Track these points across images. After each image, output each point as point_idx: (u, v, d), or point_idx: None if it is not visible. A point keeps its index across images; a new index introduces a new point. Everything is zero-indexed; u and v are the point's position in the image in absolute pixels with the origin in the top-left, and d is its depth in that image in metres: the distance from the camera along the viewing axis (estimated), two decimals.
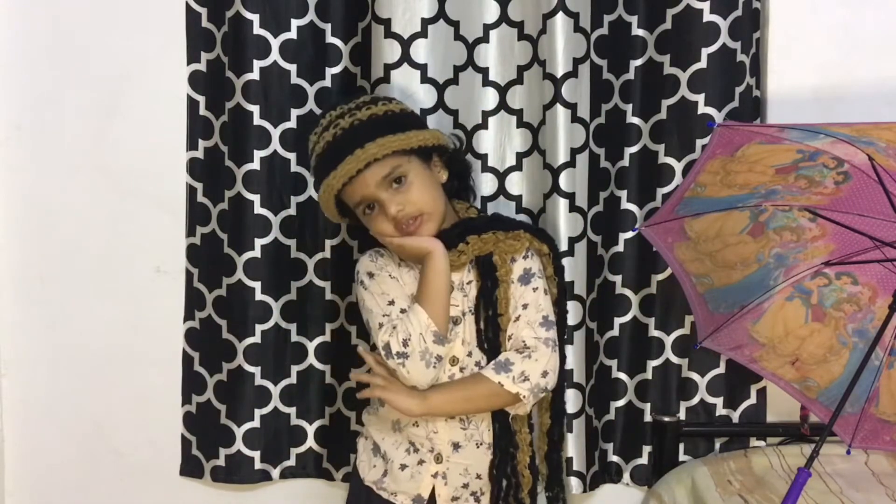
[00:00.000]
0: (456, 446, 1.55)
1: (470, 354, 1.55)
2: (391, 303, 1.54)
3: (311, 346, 1.98)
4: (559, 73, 1.78)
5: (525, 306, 1.56)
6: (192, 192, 1.99)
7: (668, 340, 1.97)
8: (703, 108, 1.87)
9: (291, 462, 2.01)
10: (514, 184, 1.88)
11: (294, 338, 1.98)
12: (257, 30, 1.86)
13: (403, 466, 1.57)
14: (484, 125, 1.87)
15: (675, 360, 1.97)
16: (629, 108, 1.92)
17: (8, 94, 1.99)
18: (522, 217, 1.88)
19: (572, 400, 1.84)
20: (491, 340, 1.54)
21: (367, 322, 1.57)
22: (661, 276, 1.94)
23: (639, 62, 1.91)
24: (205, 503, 2.06)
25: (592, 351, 1.93)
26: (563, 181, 1.80)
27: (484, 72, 1.86)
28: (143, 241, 2.01)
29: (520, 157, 1.88)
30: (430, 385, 1.51)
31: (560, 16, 1.76)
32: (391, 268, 1.59)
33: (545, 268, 1.61)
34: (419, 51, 1.81)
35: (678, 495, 1.84)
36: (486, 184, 1.88)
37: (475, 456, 1.56)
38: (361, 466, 1.63)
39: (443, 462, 1.56)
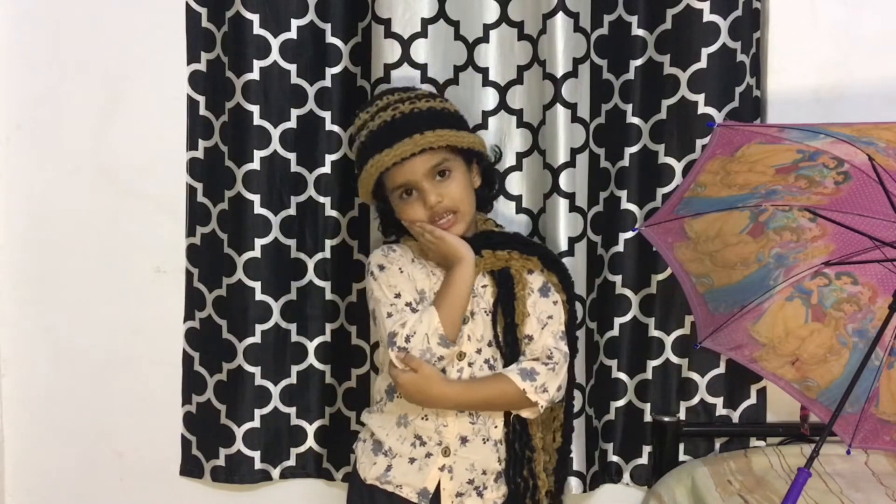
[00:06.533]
0: (464, 440, 1.57)
1: (479, 351, 1.58)
2: (398, 295, 1.57)
3: (311, 346, 1.98)
4: (559, 73, 1.78)
5: (550, 317, 1.60)
6: (192, 192, 1.99)
7: (668, 340, 1.97)
8: (703, 108, 1.86)
9: (291, 462, 2.01)
10: (514, 184, 1.88)
11: (294, 338, 1.98)
12: (257, 30, 1.87)
13: (411, 460, 1.58)
14: (484, 125, 1.87)
15: (675, 360, 1.97)
16: (629, 108, 1.92)
17: (8, 94, 1.99)
18: (522, 217, 1.88)
19: None
20: (510, 345, 1.58)
21: (373, 311, 1.59)
22: (661, 276, 1.94)
23: (639, 62, 1.91)
24: (205, 503, 2.06)
25: (592, 351, 1.94)
26: (563, 181, 1.80)
27: (484, 72, 1.86)
28: (142, 241, 2.01)
29: (520, 157, 1.88)
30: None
31: (560, 16, 1.76)
32: (402, 262, 1.61)
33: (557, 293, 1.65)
34: (419, 51, 1.81)
35: (678, 495, 1.84)
36: None
37: (482, 451, 1.58)
38: (362, 468, 1.63)
39: (450, 455, 1.57)
